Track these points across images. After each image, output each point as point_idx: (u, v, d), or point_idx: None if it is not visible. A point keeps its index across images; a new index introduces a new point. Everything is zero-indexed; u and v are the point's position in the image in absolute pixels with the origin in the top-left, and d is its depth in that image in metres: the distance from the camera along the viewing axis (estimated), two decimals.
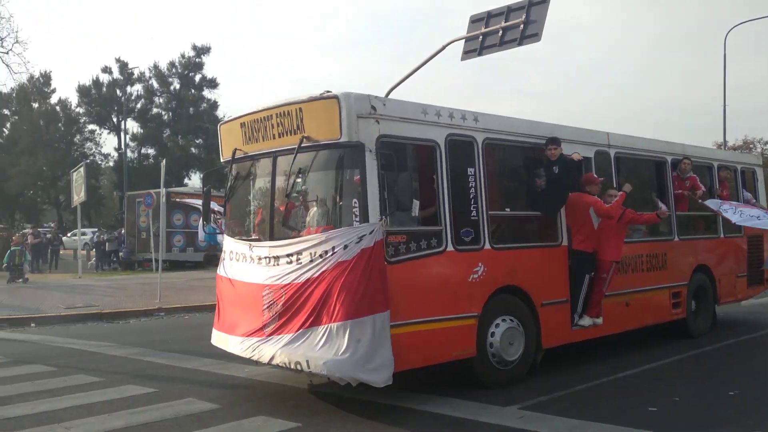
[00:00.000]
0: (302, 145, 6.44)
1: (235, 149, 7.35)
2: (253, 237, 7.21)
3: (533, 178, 7.88)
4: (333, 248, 6.14)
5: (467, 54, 16.55)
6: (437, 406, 6.52)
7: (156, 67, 56.51)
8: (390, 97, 6.75)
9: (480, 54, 16.06)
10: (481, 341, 7.02)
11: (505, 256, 7.35)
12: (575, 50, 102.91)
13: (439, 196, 6.77)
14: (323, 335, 6.12)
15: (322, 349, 6.09)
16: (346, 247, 6.09)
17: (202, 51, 56.89)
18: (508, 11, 14.97)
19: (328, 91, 6.27)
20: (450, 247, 6.77)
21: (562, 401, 6.79)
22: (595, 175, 8.32)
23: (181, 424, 6.15)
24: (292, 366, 6.30)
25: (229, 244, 7.52)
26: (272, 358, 6.47)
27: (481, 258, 7.05)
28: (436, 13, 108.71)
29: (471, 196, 7.06)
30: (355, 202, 6.21)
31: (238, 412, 6.46)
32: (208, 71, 58.07)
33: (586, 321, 8.21)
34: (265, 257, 6.77)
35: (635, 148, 9.48)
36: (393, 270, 6.28)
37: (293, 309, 6.37)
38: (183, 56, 56.70)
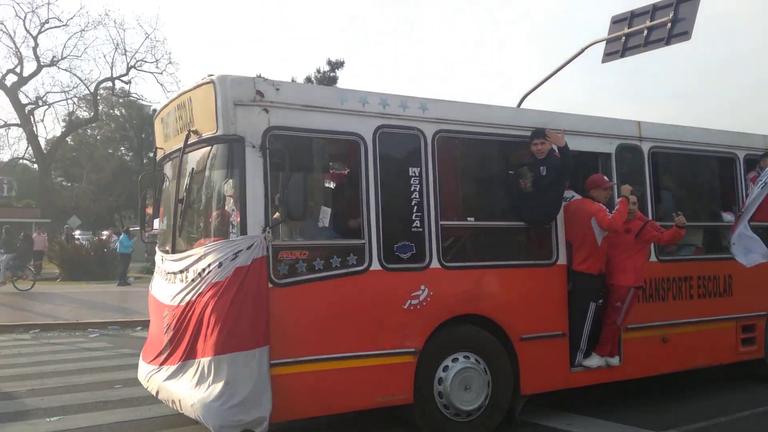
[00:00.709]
0: (188, 141, 5.43)
1: (156, 148, 6.50)
2: (166, 248, 6.29)
3: (516, 179, 6.28)
4: (209, 266, 5.07)
5: (609, 56, 15.23)
6: (583, 427, 6.16)
7: (293, 82, 58.30)
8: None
9: (623, 56, 14.78)
10: (424, 384, 5.60)
11: (463, 277, 5.86)
12: (728, 47, 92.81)
13: (362, 202, 5.46)
14: (196, 371, 5.07)
15: (195, 387, 5.03)
16: (220, 264, 4.98)
17: (336, 65, 57.78)
18: (653, 10, 13.77)
19: (211, 75, 5.20)
20: (375, 266, 5.43)
21: (728, 427, 6.17)
22: (604, 177, 6.53)
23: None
24: (170, 404, 5.31)
25: (157, 255, 6.68)
26: (158, 392, 5.53)
27: (425, 279, 5.62)
28: (574, 15, 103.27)
29: (413, 202, 5.65)
30: (234, 210, 5.09)
31: None
32: (343, 84, 58.99)
33: (594, 361, 6.44)
34: (167, 272, 5.84)
35: (684, 141, 7.45)
36: (284, 294, 5.07)
37: (178, 336, 5.38)
38: (318, 71, 57.95)
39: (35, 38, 34.56)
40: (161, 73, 42.87)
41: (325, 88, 5.57)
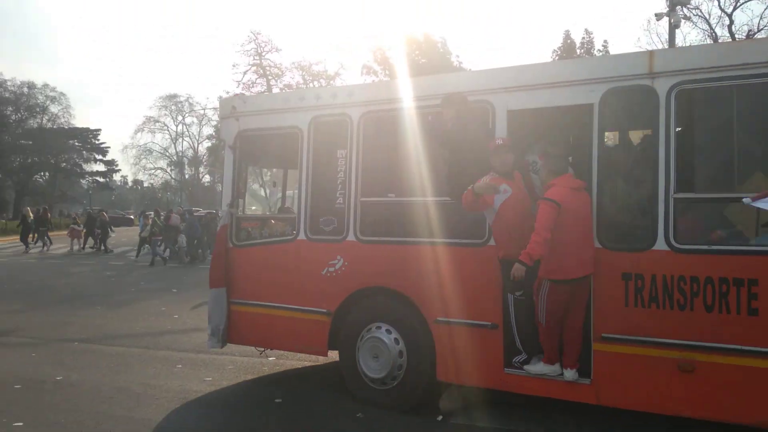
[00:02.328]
0: None
1: None
2: None
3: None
4: None
5: None
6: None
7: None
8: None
9: None
10: (345, 346, 6.25)
11: (376, 251, 6.05)
12: None
13: (299, 183, 6.56)
14: None
15: None
16: None
17: None
18: None
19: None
20: (302, 236, 6.47)
21: None
22: (498, 139, 5.20)
23: None
24: None
25: None
26: None
27: (342, 251, 6.22)
28: None
29: (339, 181, 6.30)
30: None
31: None
32: None
33: (537, 368, 5.25)
34: None
35: (751, 63, 4.50)
36: (239, 253, 6.87)
37: None
38: None
39: (730, 16, 34.86)
40: None
41: (277, 94, 6.60)
